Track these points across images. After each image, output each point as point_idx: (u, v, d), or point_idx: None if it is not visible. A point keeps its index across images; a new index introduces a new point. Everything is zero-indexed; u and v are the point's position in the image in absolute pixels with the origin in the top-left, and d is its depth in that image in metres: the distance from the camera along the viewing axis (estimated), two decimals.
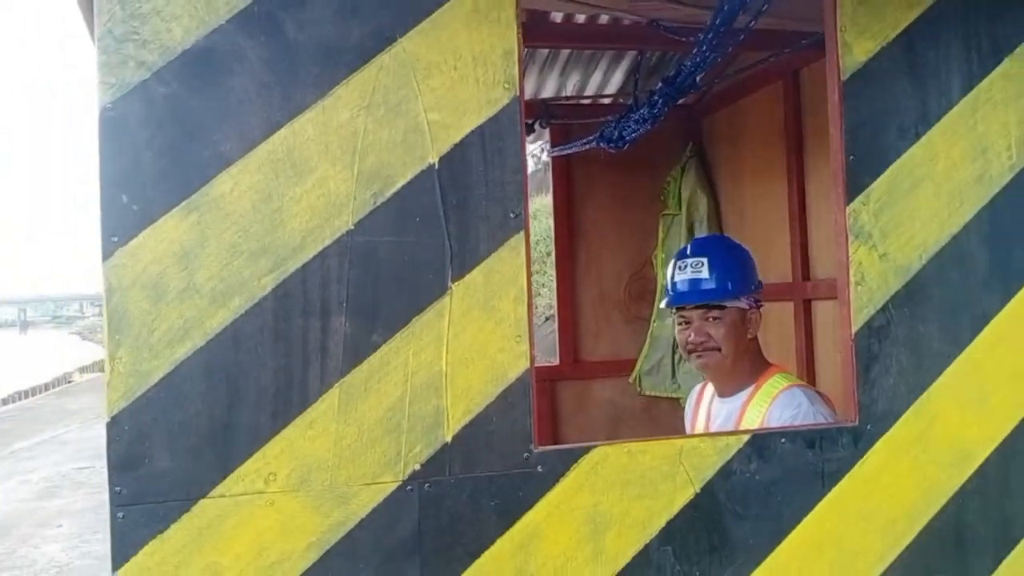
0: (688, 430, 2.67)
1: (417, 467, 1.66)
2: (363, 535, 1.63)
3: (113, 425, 1.55)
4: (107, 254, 1.58)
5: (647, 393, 4.16)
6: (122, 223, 1.58)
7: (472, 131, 1.73)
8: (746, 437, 1.87)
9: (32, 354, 51.12)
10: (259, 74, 1.65)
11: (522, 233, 1.74)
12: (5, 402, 19.80)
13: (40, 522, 7.57)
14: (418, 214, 1.70)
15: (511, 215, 1.73)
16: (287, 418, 1.61)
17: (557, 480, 1.74)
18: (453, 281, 1.70)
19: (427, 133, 1.71)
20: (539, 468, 1.73)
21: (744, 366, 2.39)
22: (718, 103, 4.12)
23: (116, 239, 1.58)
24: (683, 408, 2.85)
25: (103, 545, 6.72)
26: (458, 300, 1.70)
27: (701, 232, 3.88)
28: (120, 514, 1.54)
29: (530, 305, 1.73)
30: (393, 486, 1.65)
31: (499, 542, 1.70)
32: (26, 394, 21.19)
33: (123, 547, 1.54)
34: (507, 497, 1.71)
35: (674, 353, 4.04)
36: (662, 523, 1.80)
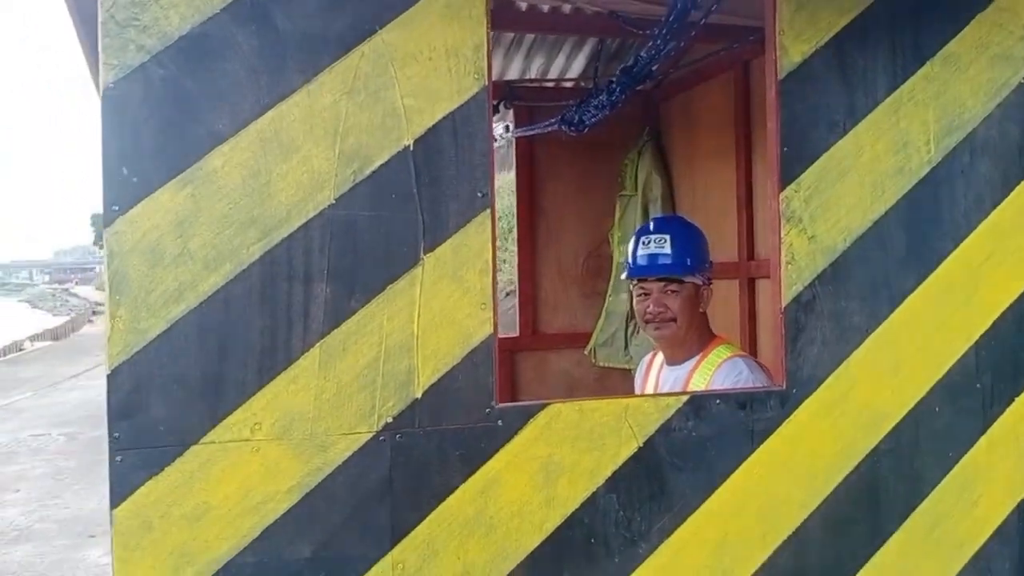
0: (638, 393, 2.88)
1: (389, 420, 1.85)
2: (339, 480, 1.81)
3: (113, 377, 1.71)
4: (108, 222, 1.73)
5: (601, 364, 4.37)
6: (122, 194, 1.73)
7: (444, 117, 1.90)
8: (685, 398, 2.08)
9: None
10: (249, 60, 1.80)
11: (488, 211, 1.92)
12: None
13: None
14: (394, 191, 1.87)
15: (479, 194, 1.91)
16: (272, 373, 1.78)
17: (515, 433, 1.93)
18: (425, 253, 1.88)
19: (403, 117, 1.88)
20: (499, 422, 1.92)
21: (693, 337, 2.61)
22: (674, 90, 4.31)
23: (117, 208, 1.73)
24: (634, 378, 3.06)
25: (62, 510, 6.81)
26: (429, 270, 1.88)
27: (655, 212, 4.08)
28: (118, 458, 1.70)
29: (494, 277, 1.91)
30: (367, 436, 1.83)
31: (462, 488, 1.89)
32: None
33: (121, 488, 1.70)
34: (470, 448, 1.90)
35: (627, 326, 4.26)
36: (608, 473, 2.01)
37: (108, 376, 1.70)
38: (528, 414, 1.95)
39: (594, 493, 2.00)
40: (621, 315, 4.26)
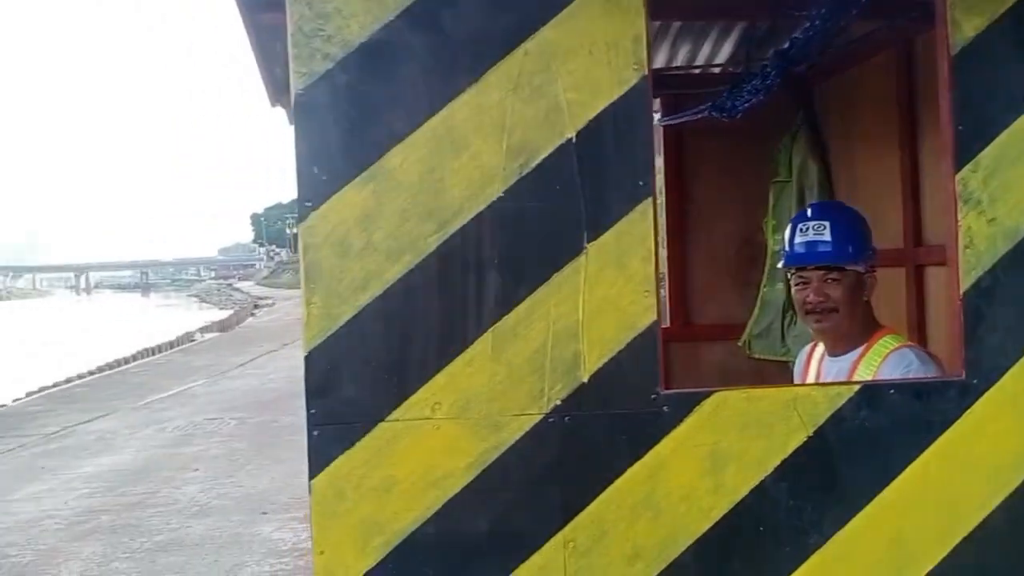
0: None
1: (558, 402, 1.92)
2: (512, 459, 1.90)
3: (309, 359, 1.86)
4: (302, 217, 1.88)
5: (756, 356, 4.28)
6: (314, 191, 1.88)
7: (605, 108, 1.95)
8: (856, 387, 2.03)
9: (155, 315, 54.44)
10: (422, 62, 1.91)
11: (650, 199, 1.95)
12: (135, 358, 21.32)
13: (179, 466, 8.28)
14: (558, 183, 1.93)
15: (640, 183, 1.95)
16: (449, 356, 1.89)
17: (681, 420, 1.96)
18: (588, 242, 1.93)
19: (565, 111, 1.94)
20: (665, 408, 1.95)
21: (856, 327, 2.53)
22: (830, 71, 4.15)
23: (309, 204, 1.88)
24: (792, 371, 2.99)
25: (237, 488, 7.36)
26: (593, 258, 1.93)
27: (812, 199, 3.95)
28: (315, 432, 1.85)
29: (656, 264, 1.94)
30: (538, 418, 1.91)
31: (630, 471, 1.94)
32: (154, 351, 22.75)
33: (317, 460, 1.86)
34: (636, 433, 1.94)
35: (784, 317, 4.15)
36: (777, 462, 1.99)
37: (305, 358, 1.86)
38: (693, 401, 1.97)
39: (762, 482, 1.99)
40: (777, 305, 4.15)
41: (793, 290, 2.62)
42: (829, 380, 2.58)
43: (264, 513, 6.47)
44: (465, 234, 1.91)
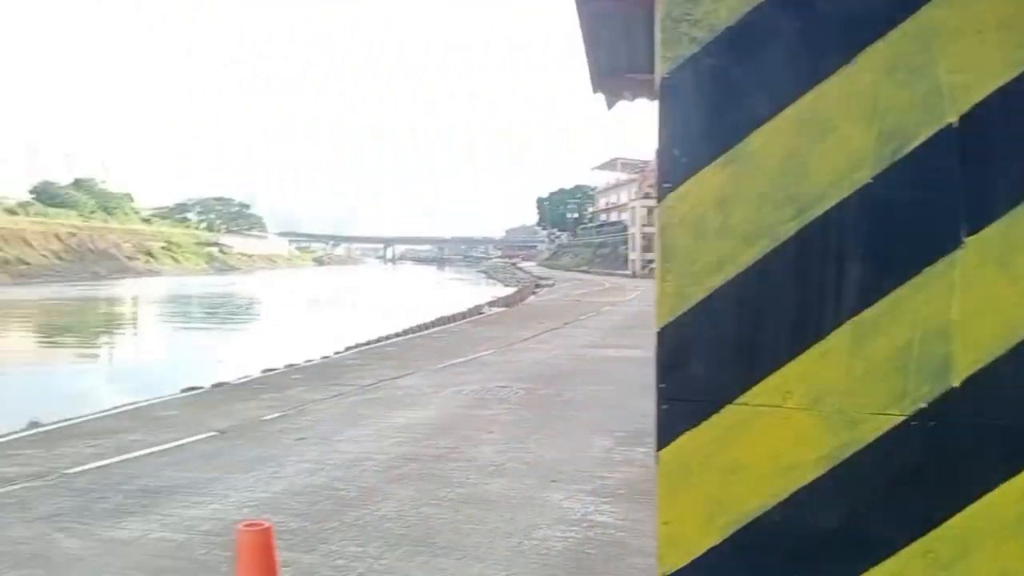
0: None
1: (923, 405, 1.81)
2: (867, 458, 1.83)
3: (661, 335, 1.93)
4: (661, 196, 1.94)
5: None
6: (673, 172, 1.93)
7: (994, 92, 1.78)
8: None
9: (450, 287, 59.04)
10: (790, 44, 1.88)
11: None
12: (435, 324, 23.30)
13: (476, 427, 8.91)
14: (934, 170, 1.81)
15: None
16: (803, 345, 1.86)
17: None
18: (967, 235, 1.79)
19: (946, 94, 1.80)
20: None
21: None
22: None
23: (668, 185, 1.94)
24: None
25: (527, 453, 7.77)
26: (971, 254, 1.79)
27: None
28: (664, 406, 1.92)
29: None
30: (899, 419, 1.82)
31: (1002, 487, 1.78)
32: (450, 319, 24.72)
33: (665, 433, 1.92)
34: (1013, 447, 1.78)
35: None
36: None
37: (658, 333, 1.93)
38: None
39: None
40: None
41: None
42: None
43: (554, 481, 6.76)
44: (827, 221, 1.85)
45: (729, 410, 1.89)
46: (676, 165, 1.94)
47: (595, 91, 5.00)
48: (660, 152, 1.95)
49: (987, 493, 1.77)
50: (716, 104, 1.92)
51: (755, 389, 1.87)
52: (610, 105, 5.23)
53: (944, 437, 1.80)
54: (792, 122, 1.88)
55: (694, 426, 1.90)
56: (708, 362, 1.90)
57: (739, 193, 1.90)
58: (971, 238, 1.79)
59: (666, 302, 1.93)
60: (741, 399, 1.88)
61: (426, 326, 22.84)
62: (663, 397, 1.92)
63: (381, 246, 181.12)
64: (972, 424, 1.79)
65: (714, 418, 1.89)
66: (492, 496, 6.38)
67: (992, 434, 1.78)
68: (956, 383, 1.79)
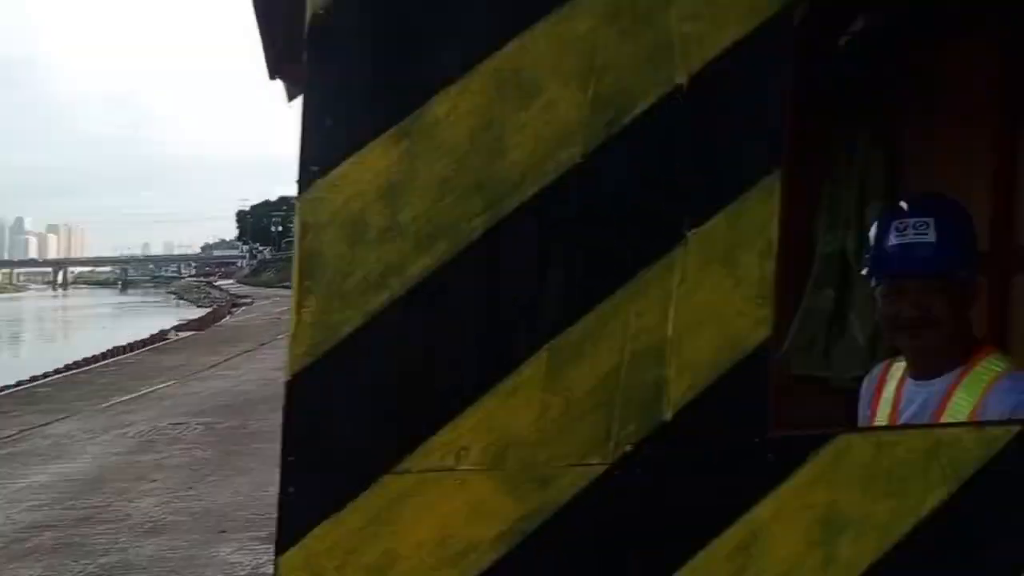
0: (866, 416, 2.32)
1: (629, 448, 1.39)
2: (561, 525, 1.37)
3: (292, 386, 1.35)
4: (304, 186, 1.35)
5: (795, 372, 3.80)
6: (323, 151, 1.35)
7: (729, 47, 1.42)
8: (1019, 427, 1.53)
9: (132, 312, 53.61)
10: None
11: (777, 173, 1.43)
12: (105, 356, 20.55)
13: (136, 477, 7.73)
14: (657, 146, 1.42)
15: (766, 150, 1.43)
16: (486, 384, 1.36)
17: (791, 472, 1.44)
18: (689, 228, 1.41)
19: (677, 48, 1.41)
20: (770, 457, 1.43)
21: (956, 345, 2.04)
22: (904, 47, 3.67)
23: (315, 169, 1.34)
24: (837, 390, 2.49)
25: (195, 502, 6.80)
26: (694, 251, 1.41)
27: (875, 193, 3.46)
28: (291, 488, 1.32)
29: (777, 263, 1.42)
30: (600, 469, 1.38)
31: (717, 542, 1.42)
32: (125, 349, 21.99)
33: (289, 529, 1.32)
34: (730, 489, 1.43)
35: (829, 329, 3.67)
36: (907, 528, 1.49)
37: (287, 384, 1.34)
38: (809, 447, 1.45)
39: (887, 554, 1.48)
40: (824, 315, 3.67)
41: (882, 303, 2.10)
42: (915, 408, 2.08)
43: (223, 532, 5.93)
44: (524, 214, 1.38)
45: (384, 483, 1.32)
46: (328, 141, 1.35)
47: (272, 77, 4.19)
48: (305, 123, 1.35)
49: (700, 551, 1.41)
50: (387, 55, 1.37)
51: (421, 449, 1.34)
52: (292, 96, 4.42)
53: (654, 486, 1.40)
54: (488, 82, 1.38)
55: (334, 512, 1.31)
56: (359, 418, 1.34)
57: (414, 179, 1.36)
58: (694, 231, 1.41)
59: (303, 337, 1.34)
60: (402, 465, 1.33)
61: (94, 359, 20.04)
62: (289, 477, 1.32)
63: (49, 270, 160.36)
64: (684, 465, 1.42)
65: (362, 498, 1.32)
66: (142, 562, 5.38)
67: (706, 476, 1.43)
68: (668, 415, 1.40)
